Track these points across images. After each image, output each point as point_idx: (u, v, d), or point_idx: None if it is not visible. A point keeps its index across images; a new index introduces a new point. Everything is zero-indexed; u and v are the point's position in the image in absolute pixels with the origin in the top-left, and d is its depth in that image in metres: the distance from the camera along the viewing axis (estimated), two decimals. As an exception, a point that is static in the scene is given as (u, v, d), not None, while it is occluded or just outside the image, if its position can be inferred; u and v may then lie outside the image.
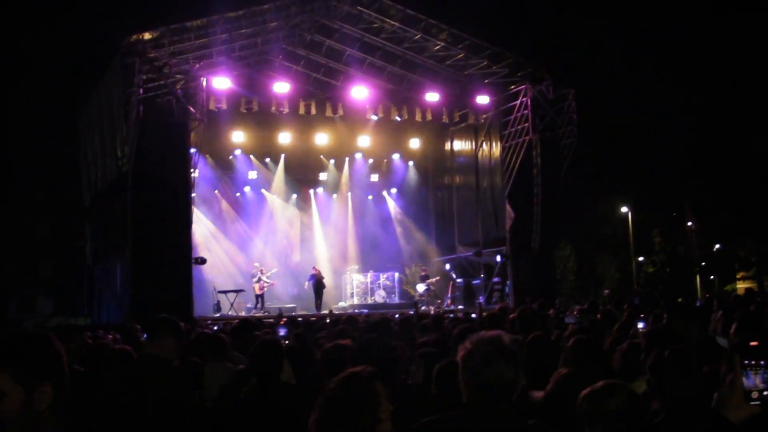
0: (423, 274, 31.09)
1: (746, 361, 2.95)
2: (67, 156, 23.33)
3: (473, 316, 14.35)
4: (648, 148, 37.03)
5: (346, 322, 10.13)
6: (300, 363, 6.53)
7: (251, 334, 8.17)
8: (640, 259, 39.20)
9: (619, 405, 3.49)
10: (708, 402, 2.98)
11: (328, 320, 15.05)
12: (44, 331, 2.88)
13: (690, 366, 4.47)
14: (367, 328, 8.88)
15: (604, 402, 3.49)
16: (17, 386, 2.73)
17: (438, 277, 31.26)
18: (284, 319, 14.44)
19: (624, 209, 37.08)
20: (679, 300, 16.46)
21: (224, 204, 32.47)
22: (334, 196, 34.71)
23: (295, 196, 33.94)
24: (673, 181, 41.85)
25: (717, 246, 47.94)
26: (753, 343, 2.97)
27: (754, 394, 2.92)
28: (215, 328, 14.06)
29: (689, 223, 45.92)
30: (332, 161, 33.69)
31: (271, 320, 16.87)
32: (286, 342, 7.94)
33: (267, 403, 5.41)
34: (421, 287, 30.54)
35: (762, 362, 2.94)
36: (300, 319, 18.88)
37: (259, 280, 28.65)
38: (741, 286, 44.64)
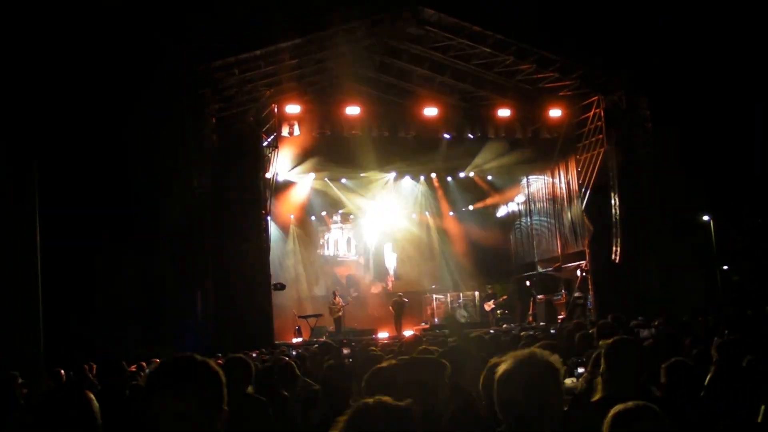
0: (489, 293, 31.03)
1: None
2: (142, 186, 23.66)
3: (552, 332, 14.11)
4: (728, 152, 36.23)
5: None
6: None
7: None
8: (725, 267, 38.32)
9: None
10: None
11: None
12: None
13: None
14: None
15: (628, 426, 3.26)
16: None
17: (505, 296, 31.13)
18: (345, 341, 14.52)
19: (705, 217, 36.34)
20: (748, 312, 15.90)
21: (302, 229, 32.70)
22: (413, 216, 34.67)
23: (370, 217, 33.99)
24: (754, 185, 40.82)
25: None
26: None
27: None
28: (293, 353, 14.09)
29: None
30: (408, 180, 33.62)
31: (353, 344, 16.86)
32: (350, 360, 7.92)
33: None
34: (487, 306, 30.49)
35: None
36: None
37: (335, 303, 28.86)
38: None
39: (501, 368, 3.45)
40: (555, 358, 3.45)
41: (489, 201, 34.79)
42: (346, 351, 8.44)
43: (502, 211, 35.31)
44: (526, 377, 3.35)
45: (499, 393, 3.41)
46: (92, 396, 3.56)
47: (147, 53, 23.29)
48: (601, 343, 5.70)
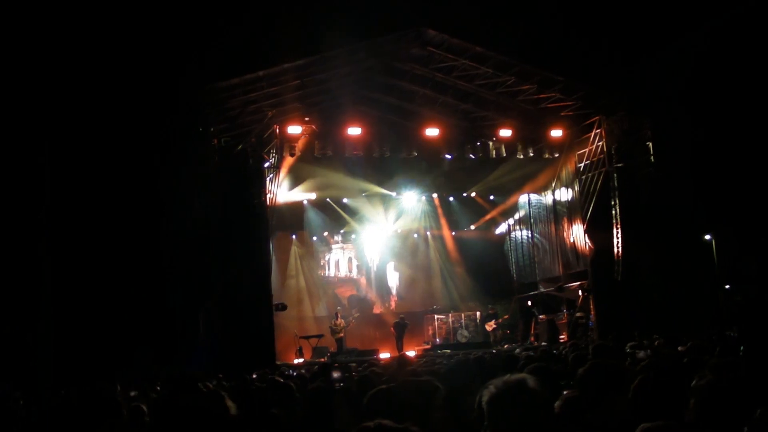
0: (490, 312, 31.09)
1: None
2: (144, 205, 23.74)
3: (554, 352, 14.07)
4: (730, 171, 36.17)
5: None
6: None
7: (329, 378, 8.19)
8: (727, 287, 38.15)
9: None
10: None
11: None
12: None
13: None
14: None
15: None
16: None
17: (506, 316, 31.20)
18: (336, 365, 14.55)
19: (707, 237, 36.25)
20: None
21: (303, 249, 32.72)
22: (415, 235, 34.71)
23: (372, 237, 33.99)
24: (759, 205, 40.65)
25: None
26: None
27: None
28: (294, 374, 14.09)
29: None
30: (410, 200, 33.63)
31: (353, 364, 16.90)
32: (341, 385, 7.91)
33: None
34: (489, 326, 30.54)
35: None
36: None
37: (337, 324, 28.90)
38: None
39: (489, 393, 3.47)
40: (539, 383, 3.48)
41: (490, 220, 34.81)
42: (336, 375, 8.42)
43: (503, 231, 35.34)
44: (513, 403, 3.37)
45: (488, 417, 3.44)
46: None
47: (151, 74, 23.38)
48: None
